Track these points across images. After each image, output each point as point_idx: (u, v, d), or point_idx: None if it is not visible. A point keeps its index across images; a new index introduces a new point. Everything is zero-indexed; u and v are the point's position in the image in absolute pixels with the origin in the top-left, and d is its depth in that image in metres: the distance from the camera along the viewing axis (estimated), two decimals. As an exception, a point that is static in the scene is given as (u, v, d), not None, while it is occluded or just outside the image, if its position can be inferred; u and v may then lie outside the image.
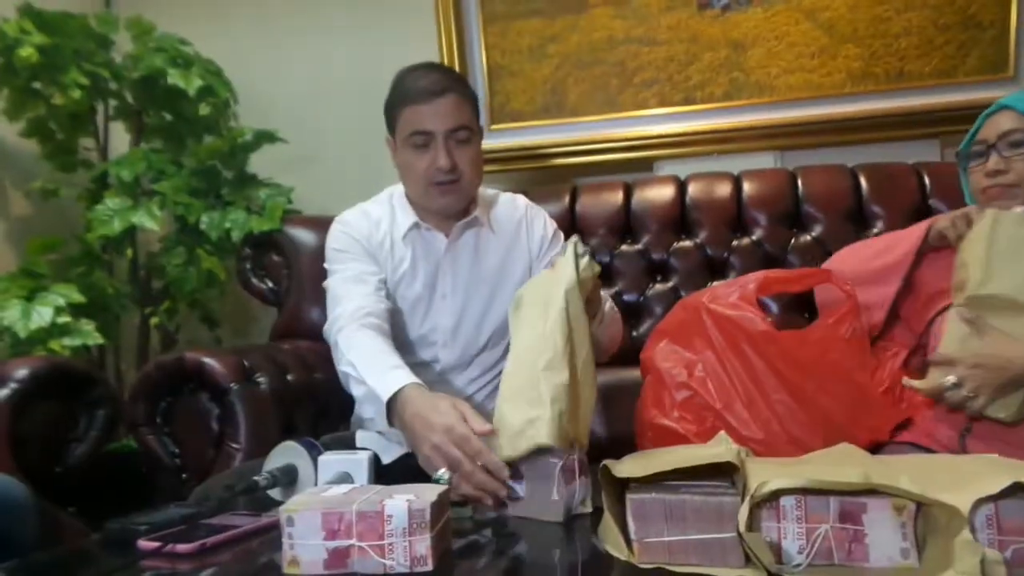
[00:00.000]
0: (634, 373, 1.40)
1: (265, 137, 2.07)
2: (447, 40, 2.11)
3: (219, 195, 2.05)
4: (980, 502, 0.68)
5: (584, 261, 1.06)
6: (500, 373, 1.42)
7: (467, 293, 1.38)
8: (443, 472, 0.94)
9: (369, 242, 1.36)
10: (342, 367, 1.19)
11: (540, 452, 0.94)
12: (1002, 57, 1.86)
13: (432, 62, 1.37)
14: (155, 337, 2.22)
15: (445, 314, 1.37)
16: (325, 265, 1.38)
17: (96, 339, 1.84)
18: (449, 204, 1.33)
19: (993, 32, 1.86)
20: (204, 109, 2.06)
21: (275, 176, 2.12)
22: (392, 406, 1.08)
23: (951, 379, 1.07)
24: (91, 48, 2.02)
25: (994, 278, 1.10)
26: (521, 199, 1.49)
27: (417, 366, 1.38)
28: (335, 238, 1.38)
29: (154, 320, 2.11)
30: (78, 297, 1.82)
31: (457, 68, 2.09)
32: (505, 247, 1.41)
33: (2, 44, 1.87)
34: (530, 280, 1.25)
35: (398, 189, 1.42)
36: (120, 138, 2.25)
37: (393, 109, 1.31)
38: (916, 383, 1.13)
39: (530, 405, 0.96)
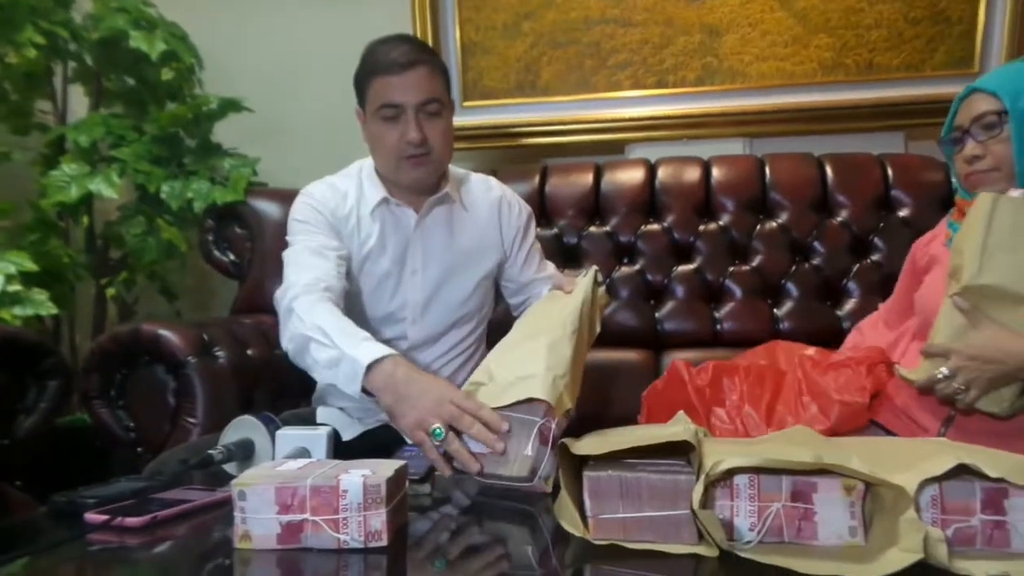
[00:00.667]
0: (601, 355, 1.41)
1: (231, 106, 2.02)
2: (421, 13, 2.08)
3: (181, 164, 2.00)
4: (926, 483, 0.70)
5: (601, 289, 1.26)
6: (467, 349, 1.43)
7: (438, 269, 1.36)
8: (439, 426, 0.96)
9: (334, 216, 1.33)
10: (305, 331, 1.14)
11: (526, 407, 0.95)
12: (968, 53, 1.89)
13: (403, 34, 1.34)
14: (113, 309, 2.17)
15: (415, 290, 1.36)
16: (287, 237, 1.35)
17: (49, 309, 1.78)
18: (419, 178, 1.31)
19: (961, 27, 1.89)
20: (167, 74, 2.00)
21: (240, 146, 2.08)
22: (370, 373, 1.06)
23: (943, 371, 1.05)
24: (48, 5, 1.94)
25: (990, 268, 1.06)
26: (494, 181, 1.47)
27: (384, 343, 1.37)
28: (298, 209, 1.35)
29: (111, 291, 2.06)
30: (31, 265, 1.76)
31: (431, 43, 2.05)
32: (479, 227, 1.40)
33: (-48, -2, 1.80)
34: (545, 295, 1.37)
35: (367, 163, 1.39)
36: (79, 101, 2.17)
37: (363, 80, 1.29)
38: (908, 373, 1.11)
39: (523, 366, 0.99)
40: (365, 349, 1.08)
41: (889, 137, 1.96)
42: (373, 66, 1.26)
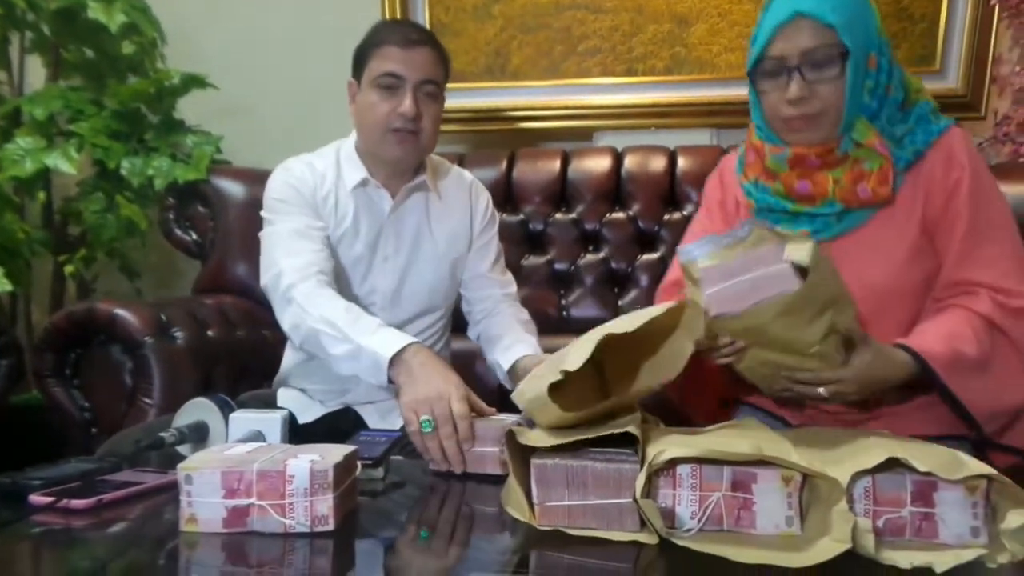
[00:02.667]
0: (563, 344, 1.42)
1: (194, 82, 1.98)
2: (390, -8, 2.05)
3: (142, 140, 1.96)
4: (859, 475, 0.72)
5: None
6: (432, 335, 1.42)
7: (410, 257, 1.35)
8: (428, 418, 0.99)
9: (314, 196, 1.31)
10: (312, 323, 1.15)
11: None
12: (930, 51, 1.92)
13: (414, 21, 1.36)
14: (72, 286, 2.13)
15: (386, 276, 1.35)
16: (263, 214, 1.32)
17: (4, 286, 1.74)
18: (403, 155, 1.29)
19: (924, 25, 1.92)
20: (128, 47, 1.96)
21: (204, 124, 2.04)
22: (392, 364, 1.09)
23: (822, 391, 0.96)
24: (3, -27, 1.88)
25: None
26: (467, 173, 1.47)
27: None
28: (277, 188, 1.32)
29: (69, 268, 2.02)
30: (-16, 240, 1.72)
31: (399, 23, 2.03)
32: (453, 217, 1.39)
33: (-100, -39, 1.73)
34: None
35: (346, 143, 1.37)
36: (37, 73, 2.11)
37: (366, 50, 1.27)
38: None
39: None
40: (382, 340, 1.11)
41: (852, 131, 1.99)
42: (383, 38, 1.26)
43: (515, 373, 1.28)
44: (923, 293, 1.05)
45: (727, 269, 0.89)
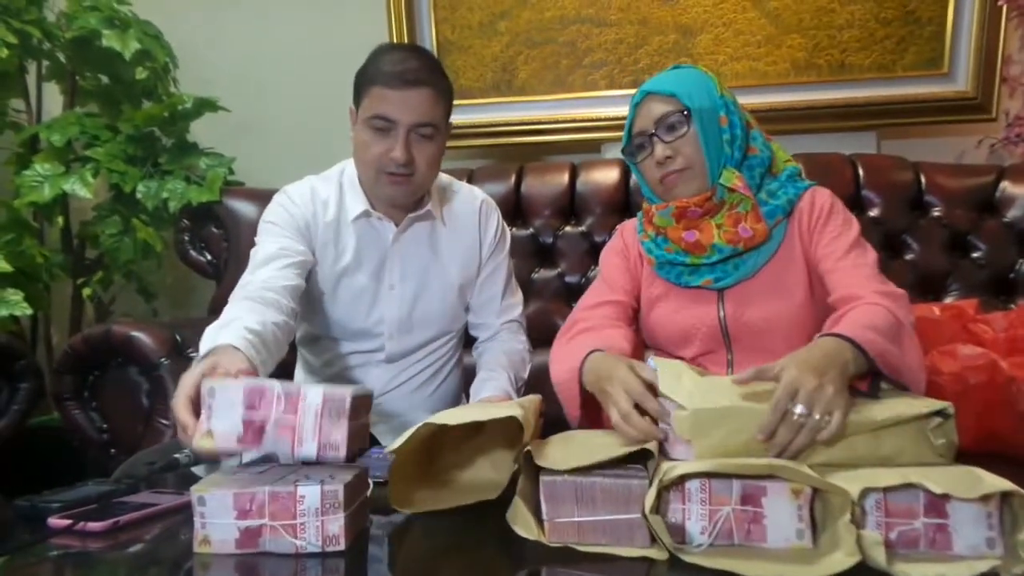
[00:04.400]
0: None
1: (206, 105, 2.01)
2: (396, 12, 2.08)
3: (157, 163, 1.99)
4: (870, 488, 0.71)
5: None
6: (441, 359, 1.41)
7: (417, 285, 1.34)
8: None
9: (312, 223, 1.30)
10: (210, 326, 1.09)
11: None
12: (938, 54, 1.91)
13: (416, 47, 1.30)
14: (90, 309, 2.16)
15: (392, 306, 1.33)
16: (256, 236, 1.32)
17: (23, 309, 1.78)
18: (396, 196, 1.27)
19: (931, 28, 1.91)
20: (141, 73, 1.99)
21: (216, 145, 2.07)
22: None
23: (799, 408, 0.81)
24: (20, 4, 1.93)
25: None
26: (478, 192, 1.44)
27: (361, 354, 1.35)
28: (273, 211, 1.32)
29: (87, 291, 2.05)
30: (4, 266, 1.75)
31: (406, 42, 2.06)
32: (460, 242, 1.37)
33: (-79, -4, 1.78)
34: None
35: (349, 167, 1.35)
36: (55, 100, 2.16)
37: (362, 83, 1.23)
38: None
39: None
40: (208, 337, 1.03)
41: (861, 137, 1.98)
42: (376, 73, 1.21)
43: None
44: (823, 323, 1.09)
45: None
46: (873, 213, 1.80)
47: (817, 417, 0.80)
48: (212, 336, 1.03)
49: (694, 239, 1.13)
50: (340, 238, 1.31)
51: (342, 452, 0.76)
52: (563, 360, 1.12)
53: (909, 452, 0.81)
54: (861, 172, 1.81)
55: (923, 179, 1.81)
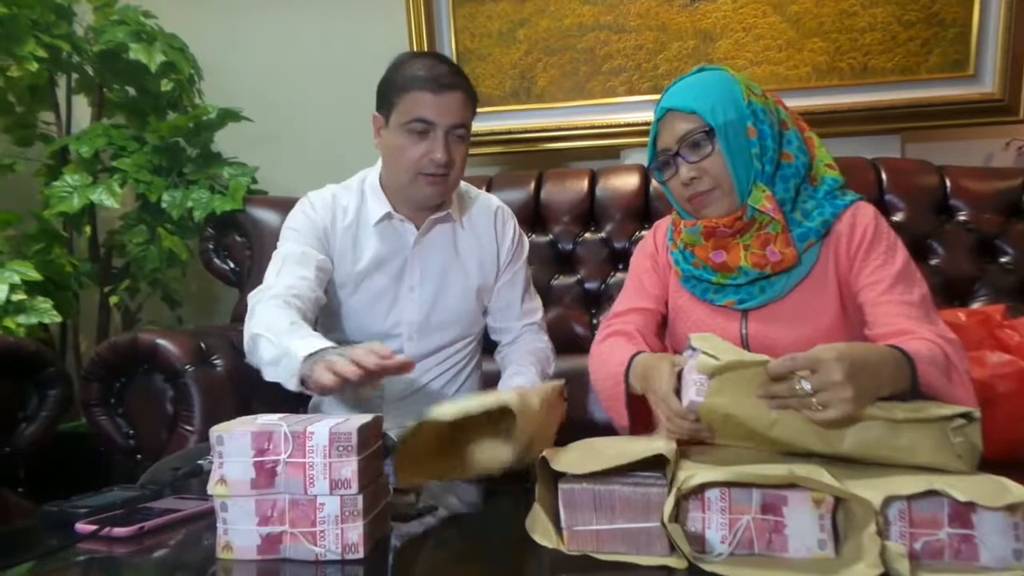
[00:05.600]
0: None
1: (229, 115, 2.05)
2: (416, 22, 2.10)
3: (182, 173, 2.02)
4: (893, 497, 0.70)
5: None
6: (460, 362, 1.43)
7: (436, 287, 1.37)
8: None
9: (330, 228, 1.33)
10: (256, 329, 1.15)
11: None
12: (963, 55, 1.88)
13: (439, 54, 1.34)
14: (117, 316, 2.20)
15: (412, 308, 1.36)
16: (278, 241, 1.36)
17: (53, 317, 1.81)
18: (432, 196, 1.31)
19: (956, 30, 1.88)
20: (167, 85, 2.03)
21: (240, 155, 2.10)
22: (304, 366, 1.05)
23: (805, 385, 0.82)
24: (50, 19, 1.97)
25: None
26: (493, 199, 1.48)
27: None
28: (295, 217, 1.36)
29: (114, 299, 2.09)
30: (34, 275, 1.79)
31: (426, 50, 2.07)
32: (478, 245, 1.40)
33: (-44, 13, 1.83)
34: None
35: (370, 175, 1.38)
36: (83, 112, 2.21)
37: (394, 90, 1.25)
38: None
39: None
40: (301, 344, 1.06)
41: (885, 140, 1.96)
42: (410, 79, 1.24)
43: None
44: None
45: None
46: (897, 218, 1.77)
47: (814, 401, 0.79)
48: (300, 344, 1.07)
49: (721, 260, 1.09)
50: (359, 242, 1.34)
51: (354, 487, 0.76)
52: (601, 366, 1.13)
53: (926, 447, 0.79)
54: (884, 176, 1.79)
55: (949, 183, 1.78)
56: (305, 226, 1.33)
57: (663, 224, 1.28)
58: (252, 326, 1.18)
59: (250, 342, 1.18)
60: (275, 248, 1.32)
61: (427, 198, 1.31)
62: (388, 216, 1.34)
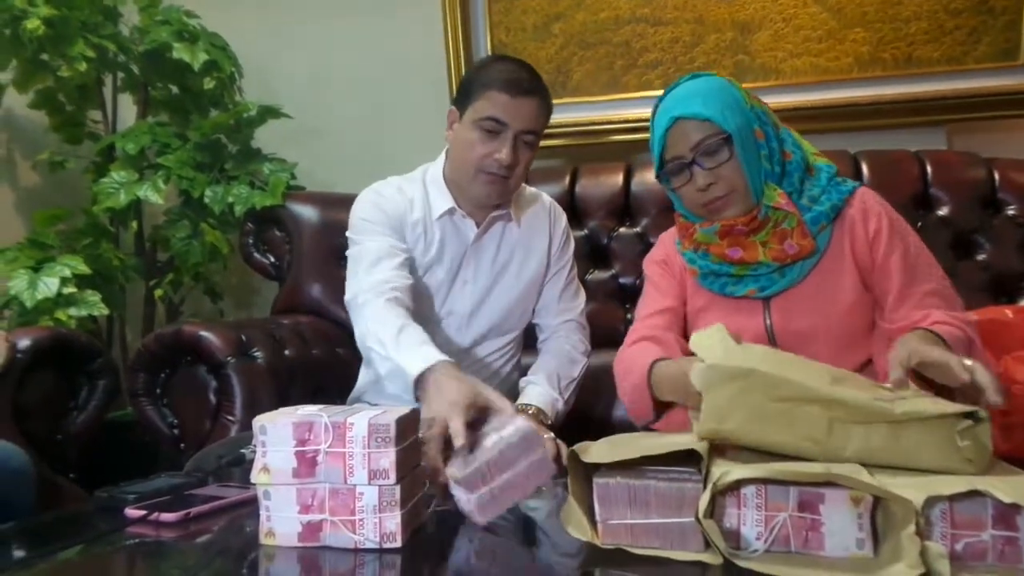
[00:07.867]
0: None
1: (270, 112, 2.08)
2: (452, 17, 2.10)
3: (223, 169, 2.07)
4: (935, 497, 0.69)
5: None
6: (504, 355, 1.46)
7: (488, 282, 1.40)
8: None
9: (402, 220, 1.36)
10: (368, 343, 1.19)
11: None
12: (1013, 44, 1.83)
13: (523, 61, 1.35)
14: (161, 309, 2.26)
15: (463, 301, 1.40)
16: (349, 234, 1.38)
17: (101, 310, 1.88)
18: (489, 196, 1.33)
19: (1006, 18, 1.83)
20: (209, 83, 2.07)
21: (279, 151, 2.14)
22: (418, 384, 1.06)
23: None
24: (98, 20, 2.03)
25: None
26: (544, 195, 1.50)
27: None
28: (365, 208, 1.37)
29: (158, 292, 2.15)
30: (84, 268, 1.85)
31: (461, 46, 2.09)
32: (531, 242, 1.43)
33: (10, 15, 1.89)
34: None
35: (432, 168, 1.42)
36: (129, 110, 2.27)
37: (474, 87, 1.29)
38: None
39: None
40: (410, 359, 1.08)
41: (930, 133, 1.91)
42: (492, 78, 1.28)
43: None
44: (869, 337, 1.12)
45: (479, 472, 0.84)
46: (942, 212, 1.73)
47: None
48: (410, 362, 1.08)
49: (739, 255, 1.11)
50: (427, 234, 1.38)
51: (392, 477, 0.78)
52: (627, 373, 1.13)
53: (931, 449, 0.76)
54: (929, 169, 1.75)
55: (996, 176, 1.73)
56: (379, 216, 1.36)
57: (666, 237, 1.31)
58: (362, 335, 1.22)
59: (364, 352, 1.24)
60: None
61: (486, 196, 1.34)
62: (451, 211, 1.37)
